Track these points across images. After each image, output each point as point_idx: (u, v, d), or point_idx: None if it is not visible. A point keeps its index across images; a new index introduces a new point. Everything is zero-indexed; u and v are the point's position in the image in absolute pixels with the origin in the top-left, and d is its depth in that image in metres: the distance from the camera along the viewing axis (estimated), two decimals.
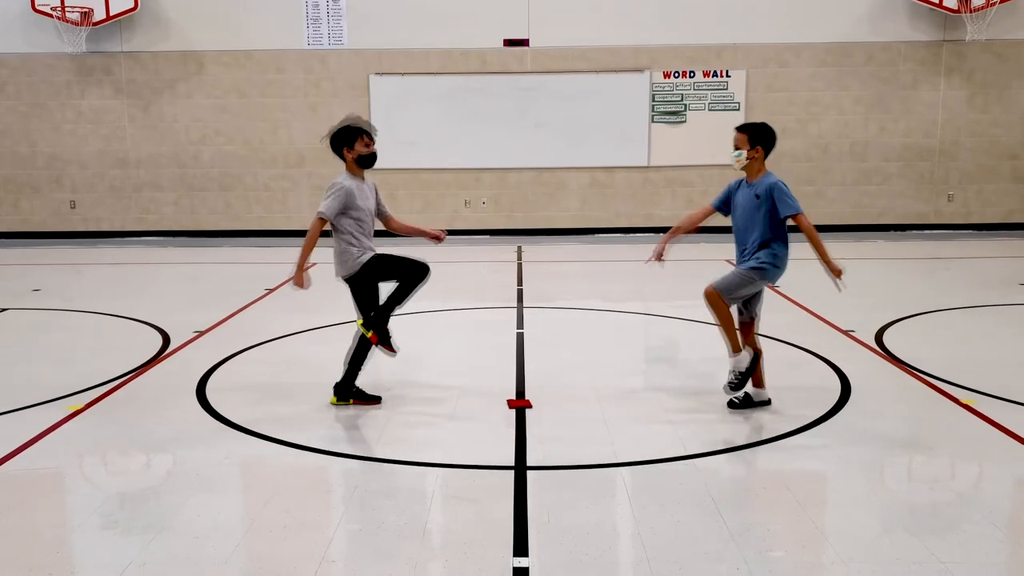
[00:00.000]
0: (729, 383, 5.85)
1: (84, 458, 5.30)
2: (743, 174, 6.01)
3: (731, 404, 5.93)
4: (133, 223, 15.43)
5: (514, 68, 14.86)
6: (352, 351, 6.06)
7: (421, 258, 6.05)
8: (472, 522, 4.29)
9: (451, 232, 15.46)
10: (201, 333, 8.21)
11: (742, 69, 14.76)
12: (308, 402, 6.20)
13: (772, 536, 4.12)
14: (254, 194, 15.30)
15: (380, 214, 6.22)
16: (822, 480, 4.88)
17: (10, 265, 12.88)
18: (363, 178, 6.10)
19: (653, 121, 14.92)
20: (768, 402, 5.93)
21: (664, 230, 15.72)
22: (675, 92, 14.85)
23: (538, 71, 14.84)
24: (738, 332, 5.91)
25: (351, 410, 6.00)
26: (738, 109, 14.76)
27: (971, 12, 13.94)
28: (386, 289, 6.10)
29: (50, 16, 14.23)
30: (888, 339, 7.73)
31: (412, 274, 5.97)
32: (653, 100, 14.87)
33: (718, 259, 11.99)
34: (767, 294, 8.17)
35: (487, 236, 15.13)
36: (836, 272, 5.83)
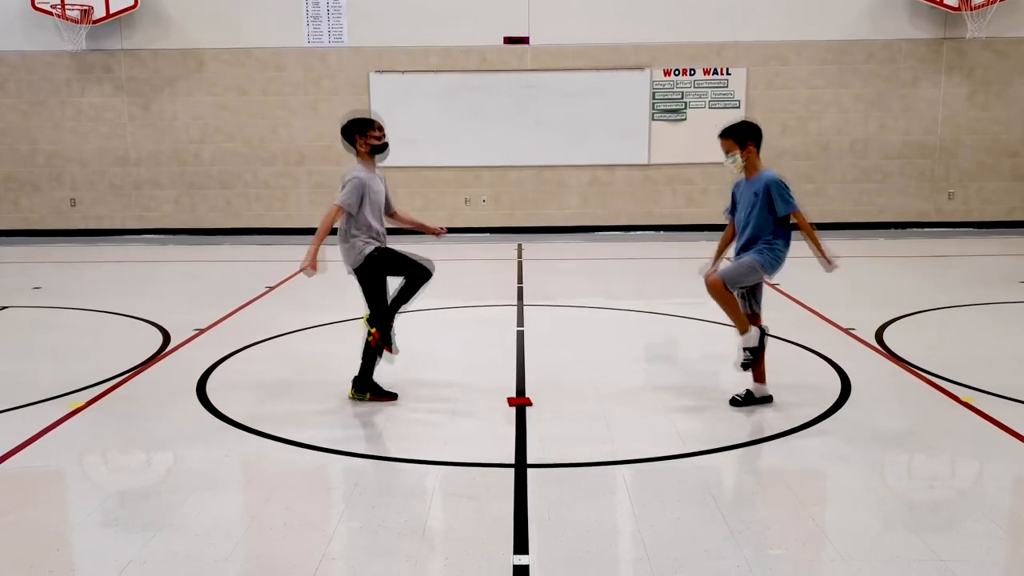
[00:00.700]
0: (741, 363, 5.86)
1: (84, 456, 5.30)
2: (743, 175, 5.99)
3: (733, 402, 5.93)
4: (133, 221, 15.43)
5: (514, 66, 14.85)
6: (365, 344, 6.08)
7: (426, 256, 6.06)
8: (472, 520, 4.29)
9: (451, 230, 15.47)
10: (201, 331, 8.22)
11: (742, 67, 14.75)
12: (308, 400, 6.21)
13: (772, 534, 4.12)
14: (254, 192, 15.30)
15: (386, 206, 6.20)
16: (822, 478, 4.88)
17: (11, 263, 12.88)
18: (374, 169, 6.08)
19: (653, 119, 14.92)
20: (770, 398, 5.93)
21: (664, 228, 15.76)
22: (675, 90, 14.85)
23: (538, 69, 14.83)
24: None
25: (351, 408, 6.00)
26: (738, 107, 14.75)
27: (971, 10, 13.93)
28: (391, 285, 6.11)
29: (50, 14, 14.23)
30: (888, 337, 7.73)
31: (417, 273, 5.99)
32: (653, 98, 14.86)
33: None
34: (767, 293, 8.18)
35: (487, 234, 15.13)
36: (832, 265, 5.80)
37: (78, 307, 9.46)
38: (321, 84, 14.91)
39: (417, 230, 6.49)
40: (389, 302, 6.07)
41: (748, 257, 5.83)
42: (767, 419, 5.70)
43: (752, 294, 6.01)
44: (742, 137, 5.85)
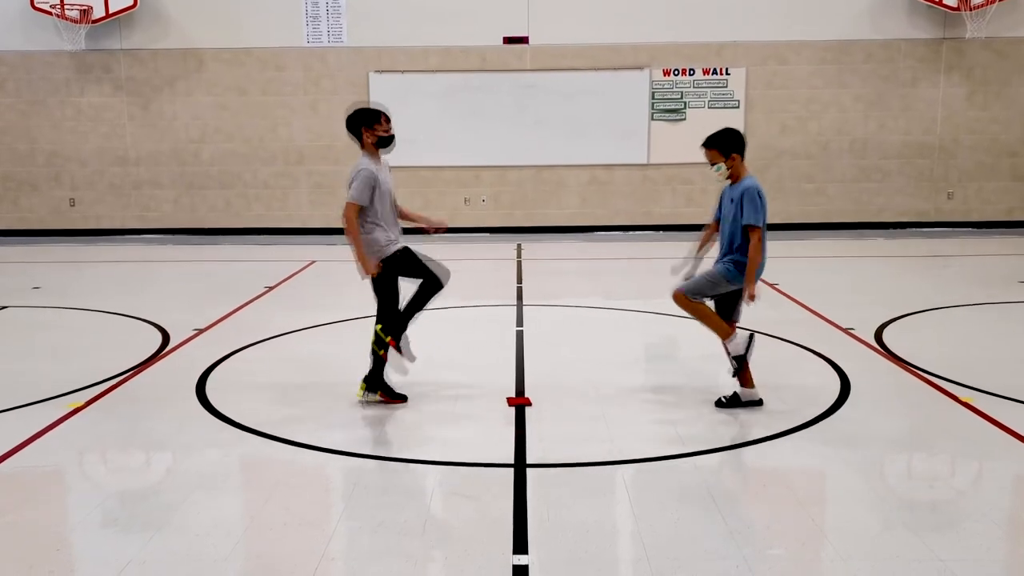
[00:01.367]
0: (734, 371, 5.88)
1: (84, 456, 5.30)
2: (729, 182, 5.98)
3: (718, 403, 5.92)
4: (133, 221, 15.43)
5: (514, 66, 14.85)
6: (374, 341, 6.02)
7: (441, 262, 6.03)
8: (472, 519, 4.30)
9: (451, 230, 15.48)
10: (201, 331, 8.21)
11: (742, 67, 14.75)
12: (308, 400, 6.21)
13: (772, 534, 4.12)
14: (254, 192, 15.30)
15: None
16: (821, 477, 4.88)
17: (10, 263, 12.87)
18: (380, 160, 5.99)
19: (653, 119, 14.92)
20: (760, 402, 5.91)
21: (663, 228, 15.76)
22: (675, 90, 14.85)
23: (538, 69, 14.83)
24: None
25: (350, 408, 5.99)
26: (738, 107, 14.75)
27: (971, 10, 13.93)
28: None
29: (49, 14, 14.22)
30: (887, 337, 7.74)
31: (431, 280, 5.94)
32: (653, 98, 14.86)
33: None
34: (767, 292, 8.17)
35: (487, 234, 15.13)
36: (750, 297, 5.75)
37: (77, 307, 9.46)
38: (321, 84, 14.91)
39: (417, 227, 6.36)
40: (402, 309, 6.01)
41: (714, 269, 5.86)
42: (766, 419, 5.70)
43: (726, 304, 5.97)
44: (726, 147, 5.84)
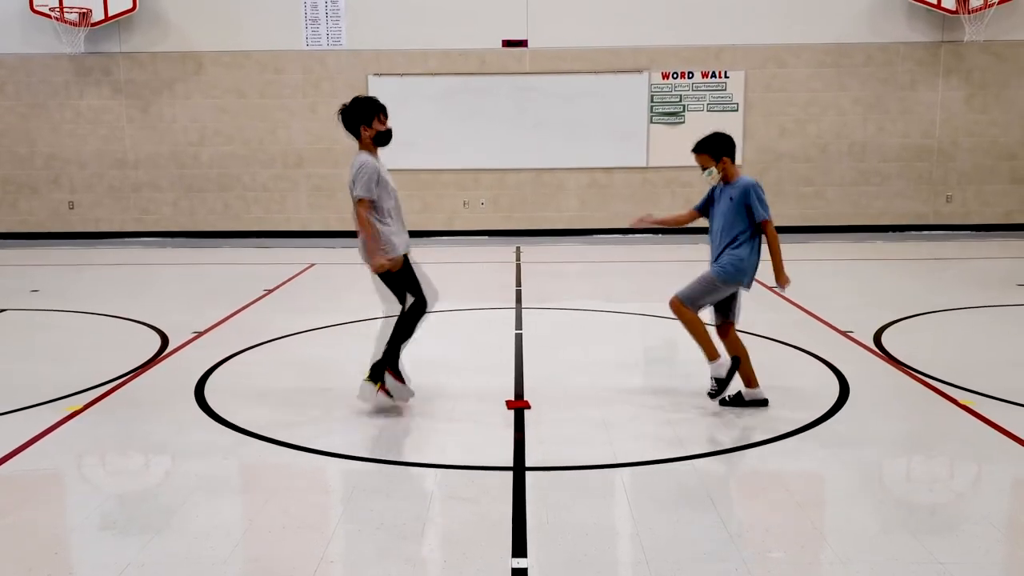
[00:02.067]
0: (709, 392, 5.90)
1: (83, 459, 5.30)
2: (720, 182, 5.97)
3: (722, 401, 5.95)
4: (132, 223, 15.43)
5: (513, 69, 14.86)
6: (395, 329, 5.84)
7: (431, 284, 6.00)
8: (471, 523, 4.29)
9: (450, 233, 15.56)
10: (200, 334, 8.21)
11: (741, 70, 14.77)
12: (307, 403, 6.20)
13: (771, 536, 4.12)
14: (253, 195, 15.30)
15: None
16: (820, 480, 4.88)
17: (9, 265, 12.87)
18: (378, 157, 5.87)
19: (652, 122, 14.93)
20: (765, 402, 5.92)
21: (663, 231, 15.72)
22: (674, 93, 14.86)
23: (537, 72, 14.85)
24: (715, 338, 5.95)
25: (350, 410, 5.97)
26: (736, 110, 14.77)
27: (969, 13, 13.95)
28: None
29: (48, 17, 14.23)
30: (886, 340, 7.74)
31: (422, 299, 5.87)
32: (652, 101, 14.88)
33: None
34: (765, 294, 8.19)
35: (486, 237, 15.13)
36: (784, 282, 5.82)
37: (76, 310, 9.46)
38: (320, 87, 14.92)
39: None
40: (388, 343, 5.90)
41: (707, 272, 5.85)
42: (765, 422, 5.70)
43: (727, 305, 5.98)
44: (716, 151, 5.85)
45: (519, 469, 4.94)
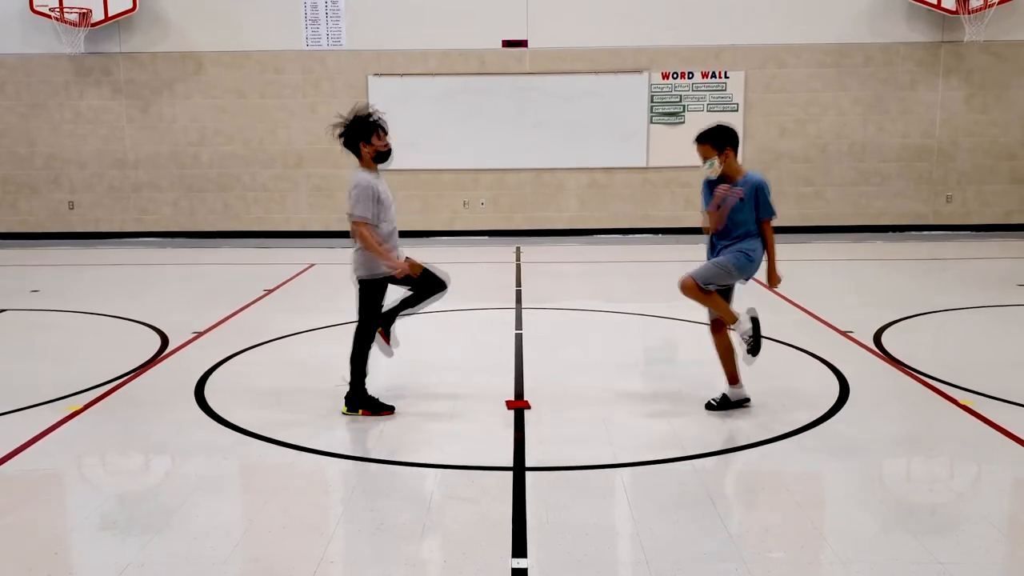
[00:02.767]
0: (747, 352, 5.80)
1: (83, 459, 5.30)
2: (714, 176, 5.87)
3: (708, 406, 5.92)
4: (132, 224, 15.42)
5: (513, 69, 14.86)
6: (352, 355, 5.88)
7: (442, 270, 6.00)
8: (471, 523, 4.29)
9: (450, 233, 15.56)
10: (200, 334, 8.21)
11: (741, 70, 14.76)
12: (307, 403, 6.20)
13: (771, 536, 4.12)
14: (253, 195, 15.30)
15: None
16: (820, 480, 4.88)
17: (9, 266, 12.87)
18: (378, 174, 5.83)
19: (652, 122, 14.93)
20: (747, 400, 5.92)
21: (663, 231, 15.75)
22: (674, 93, 14.86)
23: (537, 72, 14.84)
24: (714, 332, 5.97)
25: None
26: (736, 110, 14.76)
27: (969, 13, 13.95)
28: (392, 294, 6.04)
29: (48, 17, 14.22)
30: (886, 340, 7.74)
31: (428, 287, 5.90)
32: (652, 101, 14.88)
33: None
34: (766, 294, 8.19)
35: (486, 237, 15.13)
36: (776, 282, 5.85)
37: (76, 310, 9.46)
38: (320, 87, 14.91)
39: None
40: (395, 305, 5.96)
41: (723, 258, 5.76)
42: (766, 422, 5.70)
43: (722, 295, 5.96)
44: (720, 142, 5.81)
45: (519, 469, 4.94)
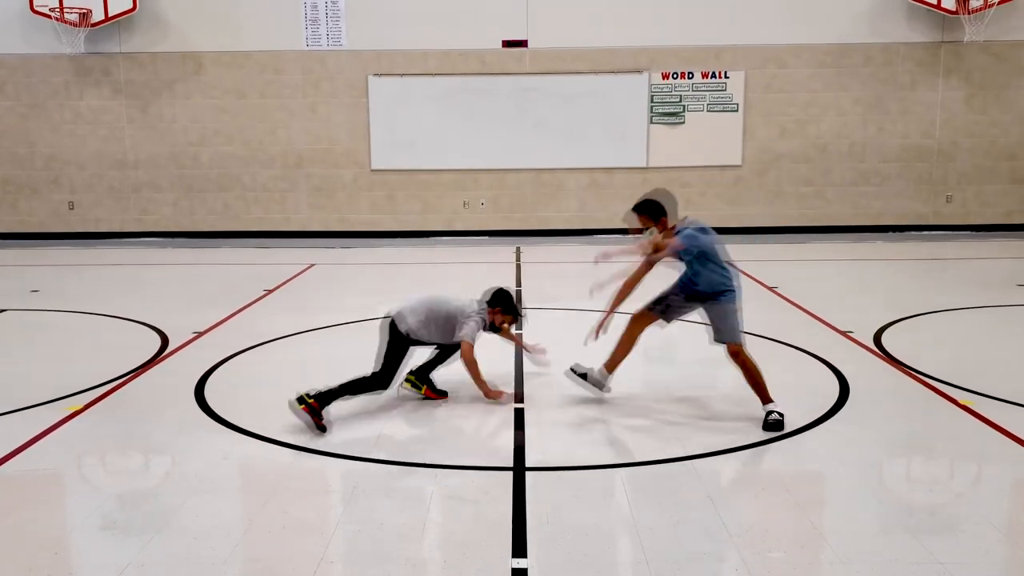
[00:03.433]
0: (766, 423, 5.57)
1: (83, 459, 5.30)
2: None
3: (571, 369, 6.15)
4: (132, 224, 15.42)
5: (513, 69, 14.86)
6: (350, 385, 5.78)
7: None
8: (471, 523, 4.29)
9: (450, 233, 15.54)
10: (200, 334, 8.21)
11: (740, 70, 14.77)
12: None
13: (771, 536, 4.12)
14: (253, 195, 15.30)
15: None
16: (820, 480, 4.88)
17: (9, 266, 12.87)
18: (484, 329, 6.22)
19: (652, 122, 14.93)
20: (604, 389, 6.06)
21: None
22: (674, 93, 14.86)
23: (537, 72, 14.85)
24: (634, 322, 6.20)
25: (349, 411, 5.97)
26: (737, 110, 14.77)
27: (969, 13, 13.95)
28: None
29: (48, 17, 14.22)
30: (886, 340, 7.74)
31: (383, 380, 5.92)
32: (652, 101, 14.88)
33: None
34: (766, 294, 8.19)
35: (485, 237, 15.13)
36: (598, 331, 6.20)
37: (76, 310, 9.46)
38: (320, 87, 14.91)
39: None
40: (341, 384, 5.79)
41: (719, 306, 5.78)
42: None
43: (675, 309, 6.06)
44: (655, 214, 6.07)
45: (519, 469, 4.94)
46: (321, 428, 5.53)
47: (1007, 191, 15.08)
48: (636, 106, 14.87)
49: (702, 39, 14.73)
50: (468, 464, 5.03)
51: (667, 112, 14.90)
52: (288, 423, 5.72)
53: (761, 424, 5.55)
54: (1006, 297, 9.63)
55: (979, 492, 4.74)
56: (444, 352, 6.25)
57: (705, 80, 14.82)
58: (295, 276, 11.45)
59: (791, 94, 14.84)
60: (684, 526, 4.23)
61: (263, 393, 6.43)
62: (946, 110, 14.84)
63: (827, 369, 6.87)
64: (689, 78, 14.82)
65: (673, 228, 6.01)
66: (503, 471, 4.91)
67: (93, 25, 14.37)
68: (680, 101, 14.87)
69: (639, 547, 4.02)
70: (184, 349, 7.69)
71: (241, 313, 9.20)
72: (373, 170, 14.97)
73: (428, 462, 5.07)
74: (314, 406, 5.53)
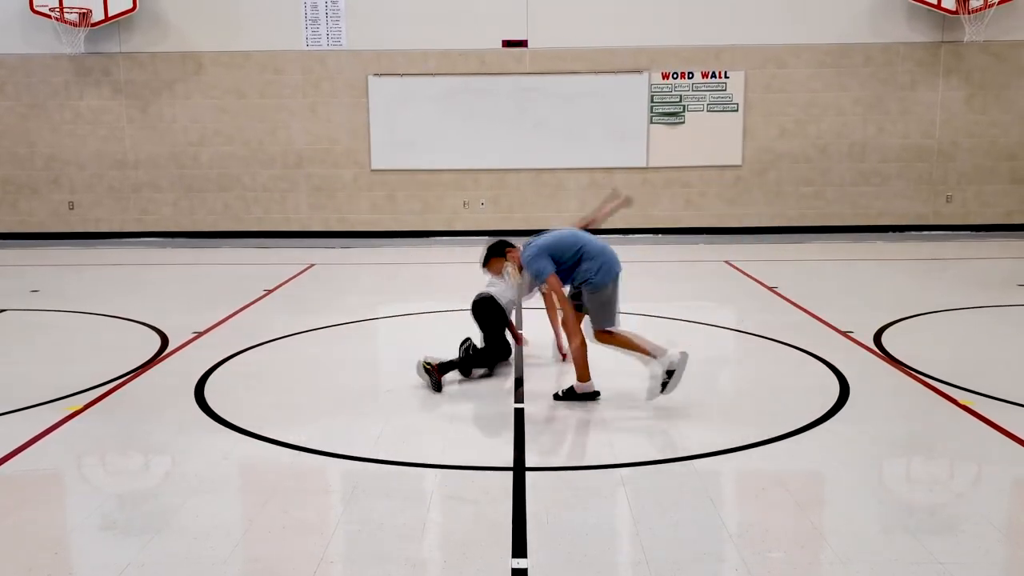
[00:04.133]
0: (659, 386, 5.93)
1: (83, 459, 5.30)
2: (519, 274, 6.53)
3: (556, 397, 6.14)
4: (132, 224, 15.42)
5: (513, 69, 14.86)
6: (478, 355, 6.71)
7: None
8: (471, 523, 4.29)
9: (450, 233, 15.54)
10: (200, 334, 8.21)
11: (740, 70, 14.77)
12: (307, 403, 6.21)
13: (771, 536, 4.12)
14: (253, 195, 15.30)
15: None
16: (820, 480, 4.88)
17: (9, 266, 12.87)
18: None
19: (652, 122, 14.93)
20: (596, 395, 6.10)
21: (662, 231, 15.74)
22: (674, 93, 14.86)
23: (537, 72, 14.84)
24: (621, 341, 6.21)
25: (350, 411, 5.98)
26: (737, 110, 14.77)
27: (969, 13, 13.95)
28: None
29: (48, 17, 14.22)
30: (886, 340, 7.74)
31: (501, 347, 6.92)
32: (652, 101, 14.88)
33: (716, 260, 12.00)
34: (765, 295, 8.18)
35: (486, 237, 15.10)
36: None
37: (76, 310, 9.46)
38: (320, 87, 14.91)
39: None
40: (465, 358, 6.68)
41: (586, 295, 6.17)
42: (765, 422, 5.70)
43: (583, 303, 6.27)
44: (499, 251, 6.75)
45: (519, 469, 4.94)
46: (438, 387, 6.32)
47: (1007, 191, 15.08)
48: (636, 106, 14.87)
49: (702, 39, 14.73)
50: (468, 464, 5.03)
51: (667, 112, 14.90)
52: (289, 423, 5.73)
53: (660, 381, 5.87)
54: (1006, 297, 9.64)
55: (979, 492, 4.74)
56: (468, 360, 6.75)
57: (705, 80, 14.82)
58: (295, 276, 11.45)
59: (791, 94, 14.84)
60: (684, 526, 4.23)
61: (263, 393, 6.44)
62: (946, 110, 14.84)
63: (827, 369, 6.87)
64: (689, 78, 14.83)
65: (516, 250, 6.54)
66: (503, 471, 4.92)
67: (93, 25, 14.36)
68: (680, 101, 14.87)
69: (639, 547, 4.02)
70: (184, 349, 7.69)
71: (241, 313, 9.20)
72: (373, 170, 14.97)
73: (428, 462, 5.08)
74: (444, 370, 6.42)
